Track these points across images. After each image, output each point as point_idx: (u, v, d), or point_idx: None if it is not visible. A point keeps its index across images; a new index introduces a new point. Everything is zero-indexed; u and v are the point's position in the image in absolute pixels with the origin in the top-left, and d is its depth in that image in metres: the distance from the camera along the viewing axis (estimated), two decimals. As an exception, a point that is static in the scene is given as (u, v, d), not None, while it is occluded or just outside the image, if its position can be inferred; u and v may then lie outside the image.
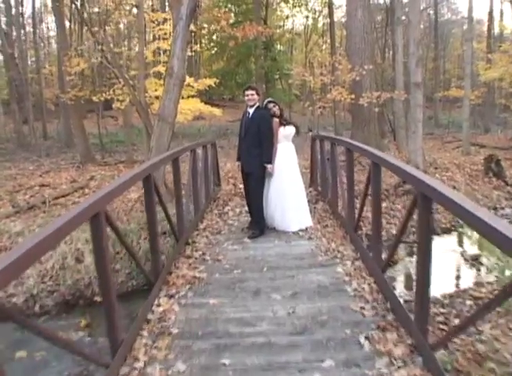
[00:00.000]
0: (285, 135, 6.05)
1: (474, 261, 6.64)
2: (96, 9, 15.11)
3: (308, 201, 6.69)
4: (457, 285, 5.77)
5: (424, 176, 3.00)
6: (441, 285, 4.82)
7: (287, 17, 27.16)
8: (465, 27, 45.07)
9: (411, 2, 9.85)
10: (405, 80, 14.41)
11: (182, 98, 13.72)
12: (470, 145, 14.75)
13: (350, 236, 5.39)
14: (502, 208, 10.24)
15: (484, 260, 6.46)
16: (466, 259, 6.82)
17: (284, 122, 6.07)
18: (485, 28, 29.50)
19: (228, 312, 3.71)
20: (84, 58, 14.74)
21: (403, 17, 14.38)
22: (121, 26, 15.35)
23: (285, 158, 5.99)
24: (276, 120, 5.92)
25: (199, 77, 22.24)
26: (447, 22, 40.89)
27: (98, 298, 5.19)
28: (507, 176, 11.88)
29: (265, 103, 6.08)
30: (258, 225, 5.91)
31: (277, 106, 6.02)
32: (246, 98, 5.80)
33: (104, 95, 14.47)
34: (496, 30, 27.88)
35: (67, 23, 21.07)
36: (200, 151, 7.36)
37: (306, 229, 6.02)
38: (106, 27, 14.28)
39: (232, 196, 8.51)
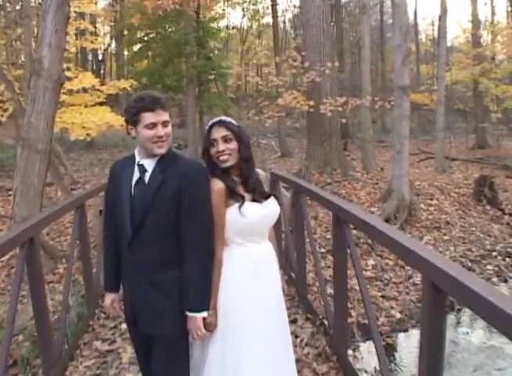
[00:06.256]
0: (246, 227, 2.06)
1: None
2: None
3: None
4: None
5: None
6: None
7: (223, 11, 24.06)
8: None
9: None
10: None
11: (86, 107, 10.26)
12: (444, 160, 12.39)
13: None
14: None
15: None
16: None
17: (256, 194, 2.10)
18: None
19: None
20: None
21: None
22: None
23: (249, 288, 2.08)
24: (220, 186, 2.01)
25: (126, 79, 18.57)
26: (385, 25, 39.83)
27: None
28: (502, 202, 9.67)
29: (209, 124, 2.11)
30: None
31: (237, 140, 2.06)
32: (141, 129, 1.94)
33: (-21, 101, 10.80)
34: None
35: None
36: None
37: None
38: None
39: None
